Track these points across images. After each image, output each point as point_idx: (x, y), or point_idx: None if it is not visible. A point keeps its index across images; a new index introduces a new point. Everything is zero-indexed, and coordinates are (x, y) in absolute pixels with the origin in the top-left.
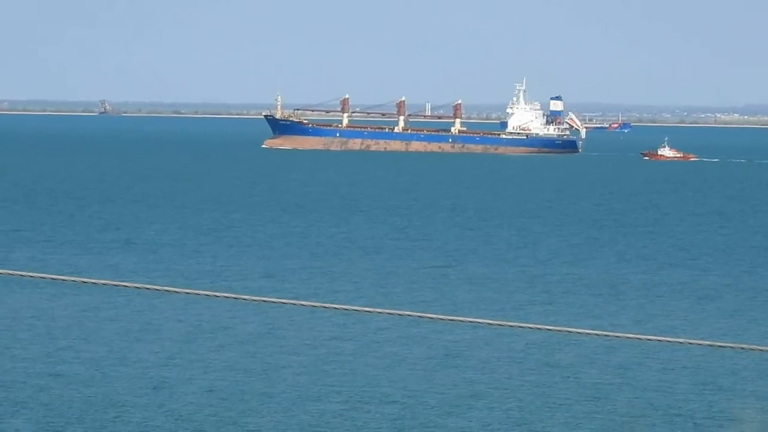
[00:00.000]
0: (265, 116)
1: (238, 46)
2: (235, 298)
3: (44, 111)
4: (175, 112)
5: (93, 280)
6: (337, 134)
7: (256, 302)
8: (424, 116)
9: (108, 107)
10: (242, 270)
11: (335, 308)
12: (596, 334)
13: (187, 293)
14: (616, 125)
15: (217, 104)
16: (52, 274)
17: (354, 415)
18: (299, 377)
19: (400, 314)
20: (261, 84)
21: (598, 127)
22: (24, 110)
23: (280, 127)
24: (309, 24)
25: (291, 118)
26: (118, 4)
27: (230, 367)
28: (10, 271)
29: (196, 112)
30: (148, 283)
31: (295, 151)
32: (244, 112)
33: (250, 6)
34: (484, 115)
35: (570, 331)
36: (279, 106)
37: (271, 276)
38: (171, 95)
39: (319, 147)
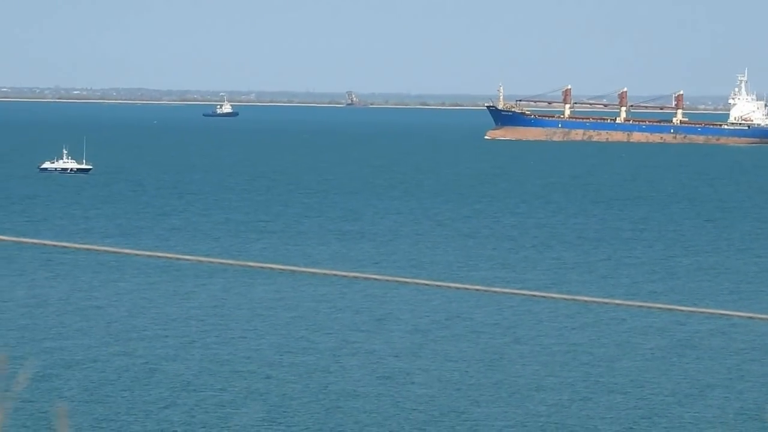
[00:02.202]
0: (488, 107)
1: (461, 38)
2: (465, 289)
3: (291, 102)
4: (422, 104)
5: (323, 271)
6: (559, 125)
7: (486, 293)
8: (646, 107)
9: (355, 99)
10: (475, 260)
11: (564, 299)
12: None
13: (417, 283)
14: None
15: (461, 95)
16: (287, 265)
17: (582, 405)
18: (527, 367)
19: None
20: (484, 75)
21: None
22: (271, 102)
23: (502, 118)
24: (531, 15)
25: (513, 109)
26: None
27: (460, 357)
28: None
29: (443, 104)
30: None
31: (517, 141)
32: (480, 103)
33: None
34: (702, 107)
35: None
36: (501, 97)
37: (504, 266)
38: (418, 86)
39: (541, 138)
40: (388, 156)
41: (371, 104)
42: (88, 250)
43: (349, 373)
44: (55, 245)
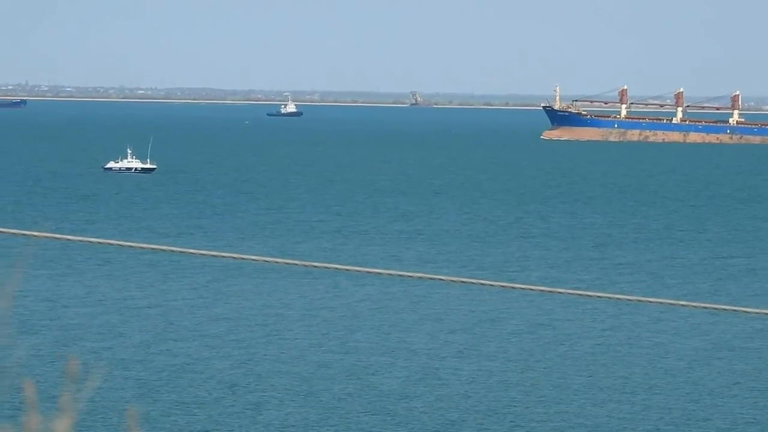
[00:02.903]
0: (544, 107)
1: (522, 38)
2: (512, 287)
3: (355, 102)
4: (485, 104)
5: (365, 270)
6: (615, 125)
7: (532, 292)
8: (702, 107)
9: (419, 99)
10: (532, 260)
11: (608, 298)
12: None
13: (463, 282)
14: None
15: (524, 96)
16: (339, 264)
17: (620, 406)
18: (570, 367)
19: (672, 303)
20: (542, 75)
21: None
22: (335, 101)
23: (558, 118)
24: (587, 16)
25: (569, 110)
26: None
27: (503, 357)
28: (286, 260)
29: (507, 104)
30: (424, 273)
31: (573, 141)
32: (536, 103)
33: (532, 1)
34: (760, 107)
35: None
36: (557, 98)
37: (553, 267)
38: (481, 87)
39: (597, 138)
40: (447, 156)
41: (435, 104)
42: (142, 248)
43: (394, 373)
44: (101, 242)
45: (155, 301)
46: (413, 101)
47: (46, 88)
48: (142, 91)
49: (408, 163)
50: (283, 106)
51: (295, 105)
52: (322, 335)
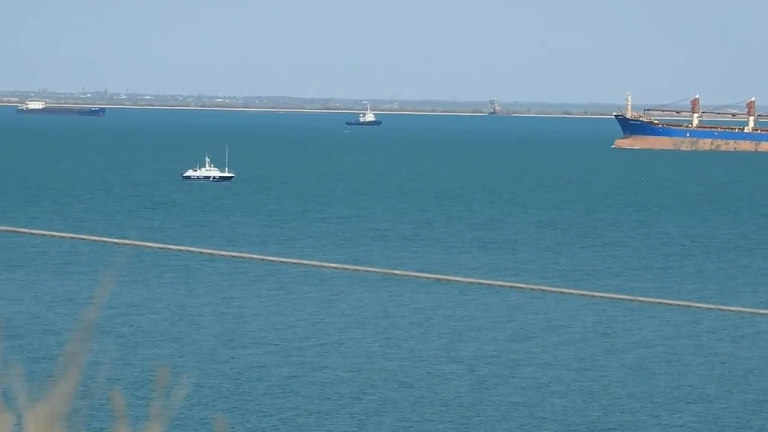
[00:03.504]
0: (616, 116)
1: (595, 47)
2: (581, 295)
3: (434, 111)
4: (564, 113)
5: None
6: (687, 134)
7: (598, 298)
8: None
9: (497, 108)
10: (609, 269)
11: (669, 304)
12: None
13: (533, 289)
14: None
15: (602, 104)
16: (410, 271)
17: (675, 414)
18: (626, 374)
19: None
20: (611, 84)
21: None
22: (413, 110)
23: (630, 127)
24: (658, 25)
25: (641, 118)
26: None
27: (563, 364)
28: (352, 266)
29: (585, 113)
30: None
31: (645, 150)
32: (608, 112)
33: (603, 7)
34: None
35: None
36: (629, 107)
37: (619, 275)
38: (559, 95)
39: (669, 147)
40: (521, 164)
41: (513, 113)
42: (222, 256)
43: (463, 380)
44: (167, 248)
45: (225, 308)
46: (492, 110)
47: (124, 97)
48: (221, 100)
49: (483, 172)
50: (362, 115)
51: (374, 114)
52: (387, 342)
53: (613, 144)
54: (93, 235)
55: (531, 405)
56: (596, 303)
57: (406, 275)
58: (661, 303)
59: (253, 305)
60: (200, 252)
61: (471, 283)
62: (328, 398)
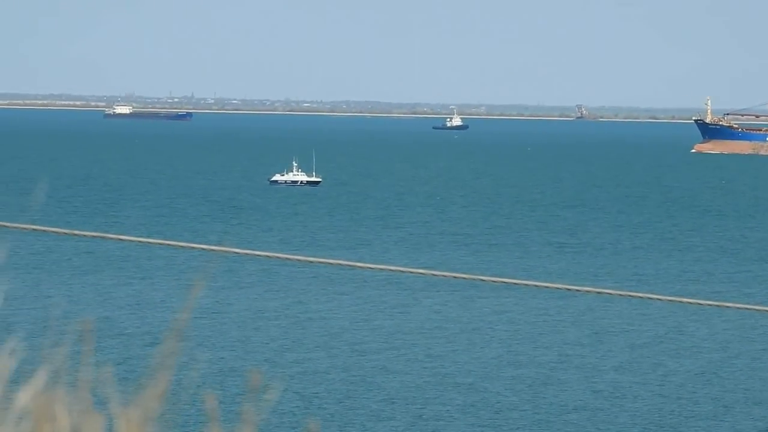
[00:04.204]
0: (696, 121)
1: (679, 51)
2: (659, 299)
3: (520, 116)
4: (651, 117)
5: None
6: (767, 138)
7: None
8: None
9: (584, 112)
10: (694, 275)
11: (737, 308)
12: None
13: (599, 293)
14: None
15: (687, 109)
16: (489, 276)
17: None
18: (743, 383)
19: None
20: (696, 88)
21: None
22: (500, 115)
23: (709, 131)
24: (740, 30)
25: (720, 123)
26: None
27: (676, 372)
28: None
29: (673, 117)
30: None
31: (724, 155)
32: (686, 116)
33: (690, 12)
34: None
35: None
36: (709, 111)
37: (697, 280)
38: (647, 100)
39: (748, 151)
40: (610, 169)
41: (601, 117)
42: (302, 261)
43: (567, 387)
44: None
45: (316, 313)
46: (579, 114)
47: (212, 101)
48: (308, 104)
49: (565, 176)
50: (448, 120)
51: (461, 118)
52: (477, 348)
53: (692, 148)
54: (171, 240)
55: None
56: (668, 306)
57: (473, 278)
58: (745, 308)
59: (339, 311)
60: (234, 252)
61: (537, 286)
62: (425, 402)
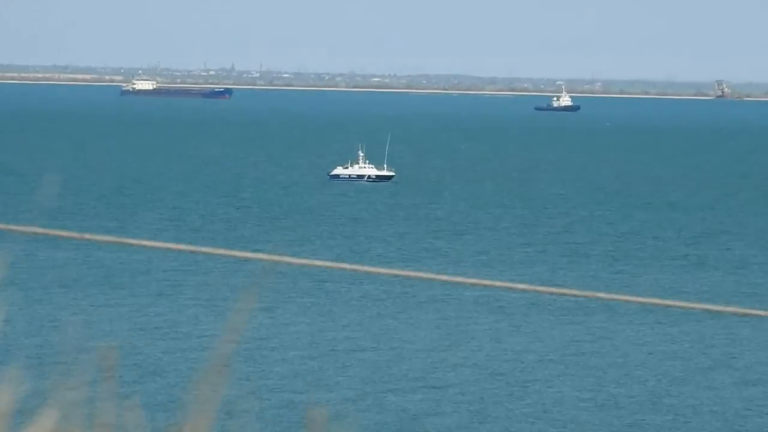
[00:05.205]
0: None
1: None
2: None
3: (646, 94)
4: None
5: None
6: None
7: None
8: None
9: (726, 90)
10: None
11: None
12: None
13: (642, 302)
14: None
15: None
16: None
17: None
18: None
19: None
20: None
21: None
22: (621, 93)
23: None
24: None
25: None
26: None
27: None
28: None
29: None
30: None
31: None
32: None
33: None
34: None
35: None
36: None
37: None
38: None
39: None
40: (759, 161)
41: (746, 96)
42: (357, 271)
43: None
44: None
45: (377, 340)
46: (719, 93)
47: (256, 74)
48: (378, 79)
49: (703, 171)
50: (555, 99)
51: (570, 97)
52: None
53: None
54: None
55: None
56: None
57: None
58: None
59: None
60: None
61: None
62: None
